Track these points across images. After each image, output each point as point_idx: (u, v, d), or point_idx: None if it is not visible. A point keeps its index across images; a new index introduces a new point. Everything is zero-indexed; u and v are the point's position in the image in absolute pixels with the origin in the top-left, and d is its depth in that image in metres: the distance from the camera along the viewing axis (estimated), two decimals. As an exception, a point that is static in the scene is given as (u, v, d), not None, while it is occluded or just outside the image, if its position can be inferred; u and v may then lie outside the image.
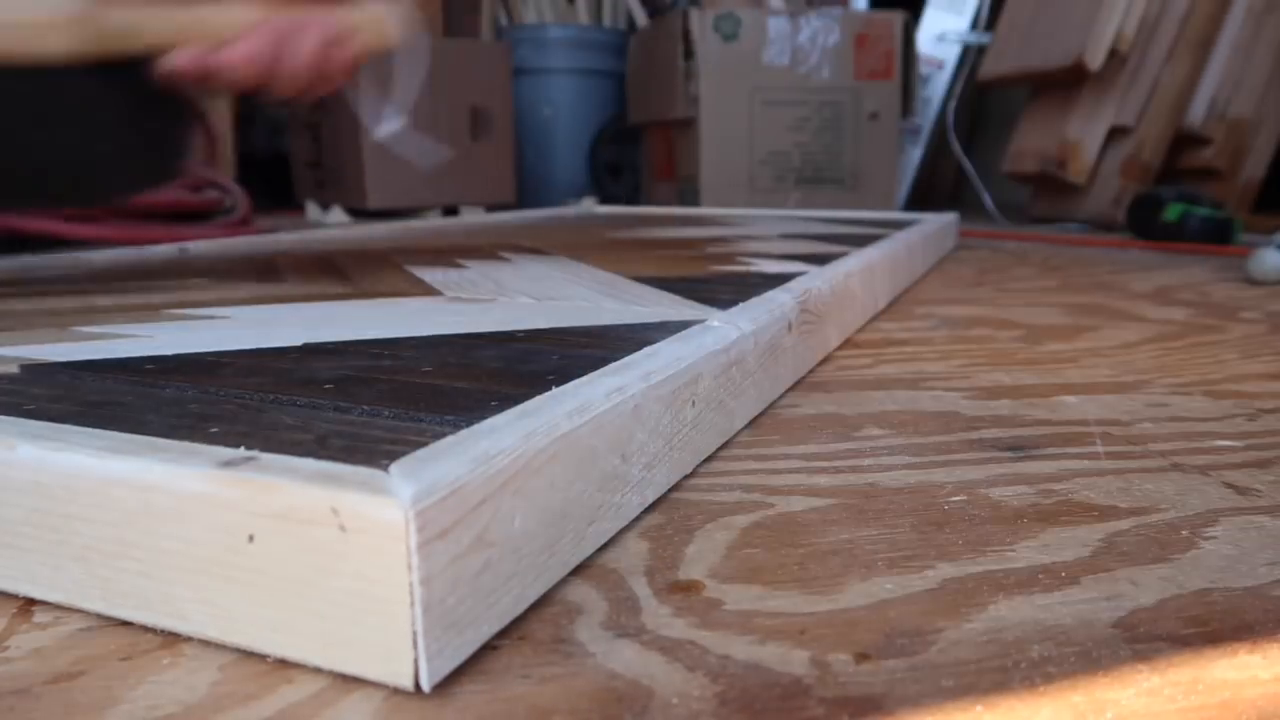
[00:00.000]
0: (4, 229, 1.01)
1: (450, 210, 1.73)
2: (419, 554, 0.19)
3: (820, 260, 0.64)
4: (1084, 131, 1.50)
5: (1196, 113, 1.50)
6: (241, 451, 0.22)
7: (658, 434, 0.30)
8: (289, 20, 0.45)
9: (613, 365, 0.30)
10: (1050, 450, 0.37)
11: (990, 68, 1.64)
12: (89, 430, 0.24)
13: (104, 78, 0.42)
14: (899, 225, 0.99)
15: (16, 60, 0.39)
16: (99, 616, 0.23)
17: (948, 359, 0.54)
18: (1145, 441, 0.38)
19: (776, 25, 1.50)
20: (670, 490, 0.32)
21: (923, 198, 2.04)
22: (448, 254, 0.74)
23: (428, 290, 0.54)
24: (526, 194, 1.91)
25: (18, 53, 0.40)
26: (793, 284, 0.49)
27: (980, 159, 1.90)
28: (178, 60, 0.44)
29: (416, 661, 0.19)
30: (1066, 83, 1.53)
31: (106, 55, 0.41)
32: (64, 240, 1.04)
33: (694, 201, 1.54)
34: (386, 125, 0.50)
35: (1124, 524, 0.30)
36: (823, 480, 0.34)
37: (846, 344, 0.58)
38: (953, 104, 1.86)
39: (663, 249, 0.78)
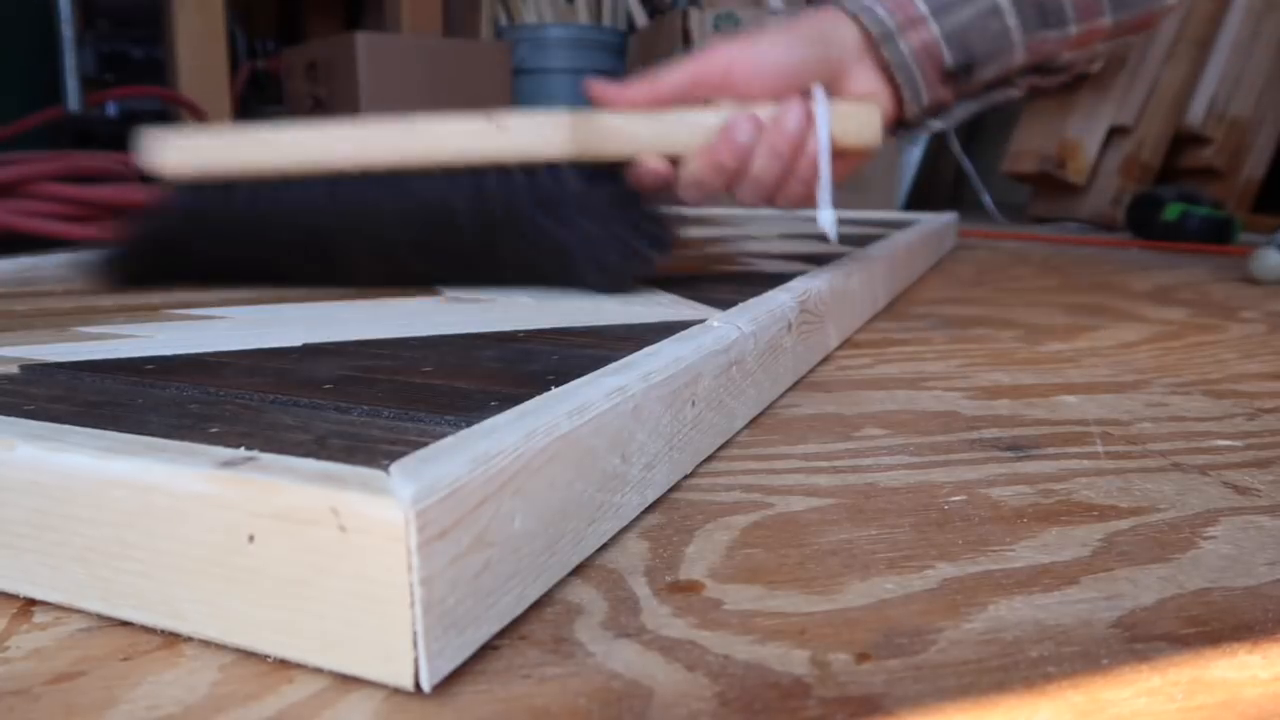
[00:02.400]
0: (4, 229, 1.01)
1: (450, 210, 1.73)
2: (419, 554, 0.19)
3: (820, 260, 0.64)
4: (1083, 131, 1.50)
5: (1196, 112, 1.50)
6: (241, 451, 0.22)
7: (658, 434, 0.30)
8: (752, 122, 0.48)
9: (613, 365, 0.30)
10: (1050, 450, 0.37)
11: (990, 67, 1.63)
12: (89, 430, 0.24)
13: (589, 180, 0.48)
14: (899, 225, 0.99)
15: (527, 160, 0.47)
16: (99, 616, 0.23)
17: (947, 359, 0.54)
18: (1145, 441, 0.38)
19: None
20: (670, 490, 0.32)
21: (923, 198, 2.04)
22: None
23: (428, 290, 0.54)
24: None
25: (528, 155, 0.47)
26: (793, 284, 0.49)
27: (980, 159, 1.90)
28: (643, 168, 0.49)
29: (416, 661, 0.19)
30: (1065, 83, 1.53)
31: (591, 159, 0.48)
32: (64, 240, 1.04)
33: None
34: (827, 218, 0.51)
35: (1123, 524, 0.30)
36: (822, 480, 0.34)
37: (846, 344, 0.58)
38: (952, 104, 1.86)
39: (662, 249, 0.78)
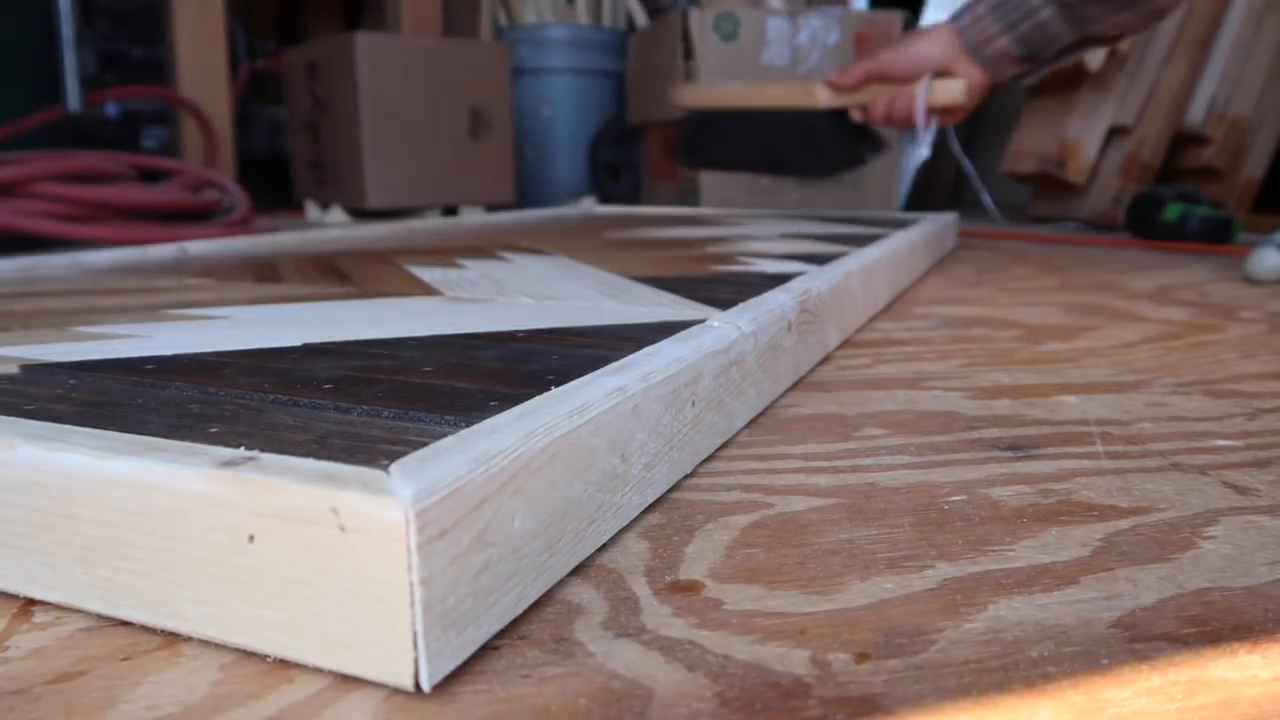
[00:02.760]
0: (4, 229, 1.01)
1: (450, 210, 1.73)
2: (419, 554, 0.19)
3: (820, 260, 0.64)
4: (1083, 131, 1.50)
5: (1196, 112, 1.50)
6: (242, 451, 0.22)
7: (658, 434, 0.30)
8: (897, 93, 0.96)
9: (613, 365, 0.30)
10: (1050, 450, 0.37)
11: (990, 67, 1.63)
12: (89, 430, 0.24)
13: (829, 120, 1.03)
14: (899, 225, 0.99)
15: (802, 109, 1.03)
16: (99, 616, 0.23)
17: (947, 359, 0.54)
18: (1145, 441, 0.38)
19: (776, 25, 1.50)
20: (670, 490, 0.32)
21: (923, 198, 2.04)
22: (447, 254, 0.74)
23: (428, 290, 0.54)
24: (526, 194, 1.91)
25: (803, 107, 1.03)
26: (792, 284, 0.49)
27: (980, 159, 1.90)
28: (854, 114, 1.02)
29: (416, 661, 0.19)
30: (1066, 82, 1.53)
31: (832, 109, 1.02)
32: (64, 240, 1.04)
33: (694, 201, 1.54)
34: (923, 149, 1.11)
35: (1123, 524, 0.30)
36: (822, 480, 0.34)
37: (846, 344, 0.58)
38: (952, 104, 1.86)
39: (663, 249, 0.78)
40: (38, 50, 1.86)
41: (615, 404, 0.27)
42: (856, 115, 1.01)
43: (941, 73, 0.93)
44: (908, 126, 0.97)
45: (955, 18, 0.91)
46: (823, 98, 1.00)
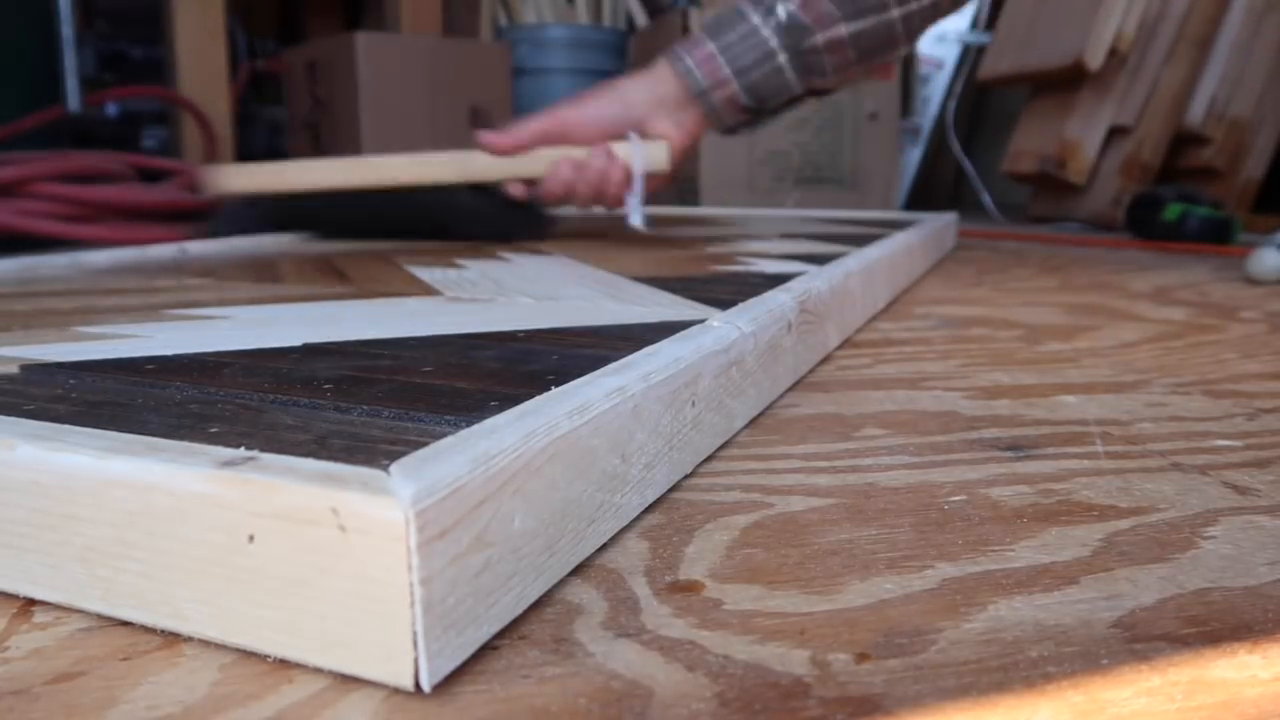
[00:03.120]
0: (4, 229, 1.01)
1: (450, 210, 1.72)
2: (419, 554, 0.19)
3: (820, 260, 0.64)
4: (1083, 131, 1.51)
5: (1196, 112, 1.50)
6: (241, 451, 0.22)
7: (658, 434, 0.30)
8: (579, 159, 0.76)
9: (613, 365, 0.30)
10: (1050, 450, 0.37)
11: (990, 67, 1.64)
12: (89, 430, 0.24)
13: (478, 194, 0.82)
14: (899, 225, 0.99)
15: (446, 182, 0.80)
16: (99, 616, 0.23)
17: (947, 359, 0.54)
18: (1145, 441, 0.38)
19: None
20: (670, 490, 0.32)
21: (922, 198, 2.04)
22: (447, 254, 0.74)
23: (428, 290, 0.54)
24: (526, 194, 1.91)
25: (427, 181, 0.80)
26: (792, 284, 0.49)
27: (980, 159, 1.90)
28: (511, 189, 0.80)
29: (416, 661, 0.19)
30: (1066, 82, 1.53)
31: (478, 182, 0.80)
32: (64, 240, 1.04)
33: (694, 201, 1.54)
34: (635, 219, 0.77)
35: (1123, 524, 0.30)
36: (822, 480, 0.34)
37: (846, 344, 0.58)
38: (952, 104, 1.86)
39: (663, 249, 0.79)
40: (38, 50, 1.86)
41: (615, 404, 0.27)
42: (516, 191, 0.80)
43: (640, 129, 0.76)
44: (608, 201, 0.77)
45: (673, 57, 0.76)
46: (464, 169, 0.78)
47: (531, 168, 0.77)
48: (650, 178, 0.76)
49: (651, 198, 0.78)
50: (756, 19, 0.72)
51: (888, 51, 0.75)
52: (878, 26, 0.72)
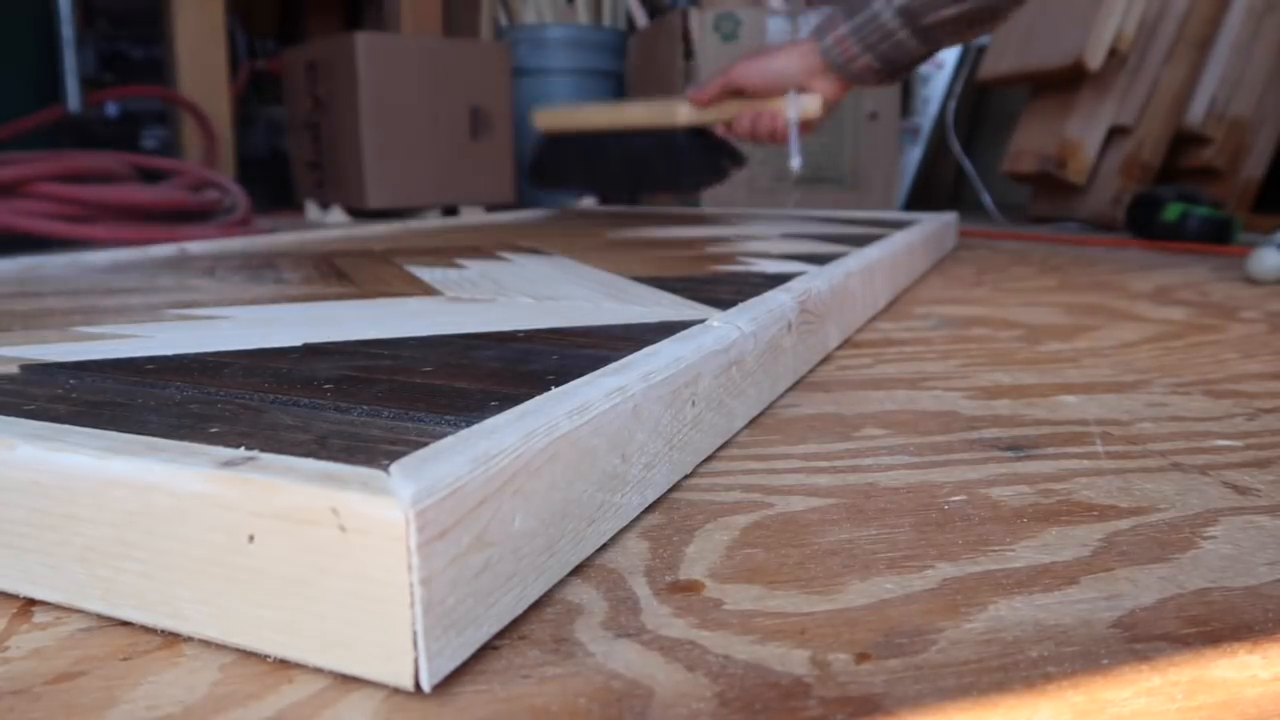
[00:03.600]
0: (4, 229, 1.01)
1: (450, 210, 1.73)
2: (419, 554, 0.19)
3: (820, 260, 0.64)
4: (1084, 131, 1.50)
5: (1196, 112, 1.50)
6: (242, 451, 0.22)
7: (658, 434, 0.30)
8: (757, 109, 0.97)
9: (613, 365, 0.30)
10: (1050, 450, 0.37)
11: (990, 67, 1.64)
12: (89, 430, 0.24)
13: (691, 135, 1.03)
14: (899, 225, 0.99)
15: (661, 128, 1.03)
16: (99, 616, 0.23)
17: (947, 359, 0.54)
18: (1145, 441, 0.38)
19: (776, 25, 1.50)
20: (670, 490, 0.32)
21: (923, 198, 2.04)
22: (448, 254, 0.74)
23: (428, 290, 0.54)
24: (526, 194, 1.91)
25: (664, 124, 1.02)
26: (792, 284, 0.49)
27: (980, 159, 1.90)
28: (718, 129, 1.03)
29: (417, 661, 0.19)
30: (1066, 82, 1.53)
31: (693, 126, 1.02)
32: (64, 240, 1.04)
33: (694, 201, 1.54)
34: (794, 159, 0.97)
35: (1123, 524, 0.30)
36: (823, 480, 0.34)
37: (846, 344, 0.58)
38: (952, 104, 1.86)
39: (663, 249, 0.78)
40: (38, 50, 1.86)
41: (615, 404, 0.27)
42: (720, 130, 1.03)
43: (799, 88, 0.95)
44: (776, 140, 0.98)
45: (817, 35, 0.93)
46: (683, 114, 1.00)
47: (724, 114, 0.99)
48: (807, 123, 0.96)
49: (809, 137, 1.00)
50: (879, 4, 0.88)
51: (996, 20, 0.88)
52: (981, 7, 0.86)
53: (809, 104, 0.95)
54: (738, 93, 0.97)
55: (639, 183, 1.10)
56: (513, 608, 0.23)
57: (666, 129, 1.02)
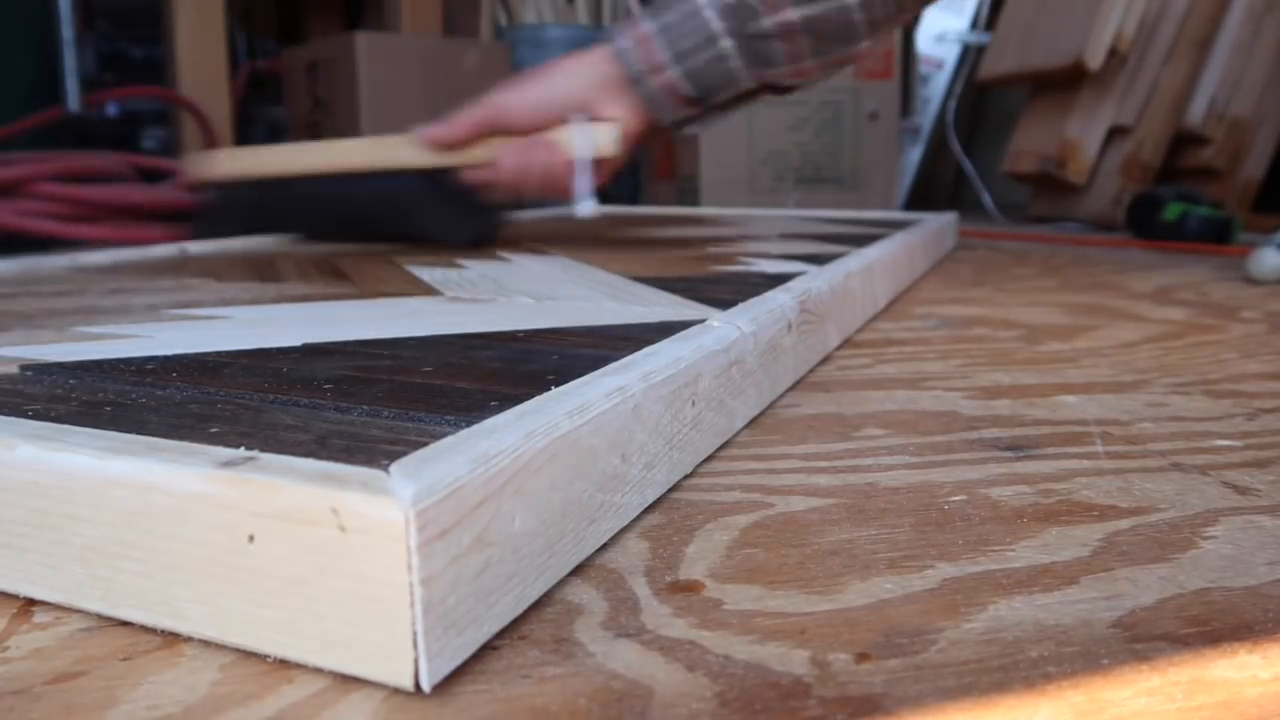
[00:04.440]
0: (4, 228, 1.01)
1: (450, 210, 1.72)
2: (419, 554, 0.19)
3: (820, 260, 0.64)
4: (1084, 131, 1.50)
5: (1196, 112, 1.50)
6: (241, 451, 0.22)
7: (658, 434, 0.30)
8: (527, 145, 0.70)
9: (613, 365, 0.30)
10: (1050, 450, 0.37)
11: (990, 67, 1.64)
12: (89, 430, 0.24)
13: (429, 182, 0.76)
14: (899, 225, 0.99)
15: (382, 168, 0.76)
16: (99, 616, 0.23)
17: (947, 359, 0.54)
18: (1145, 441, 0.38)
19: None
20: (670, 490, 0.32)
21: (923, 198, 2.04)
22: (448, 254, 0.74)
23: (428, 290, 0.54)
24: (526, 194, 1.91)
25: (383, 165, 0.75)
26: (792, 284, 0.49)
27: (980, 159, 1.90)
28: (465, 175, 0.73)
29: (417, 662, 0.19)
30: (1066, 82, 1.53)
31: (431, 169, 0.74)
32: (64, 240, 1.04)
33: (694, 201, 1.54)
34: (582, 206, 0.71)
35: (1123, 524, 0.30)
36: (823, 480, 0.34)
37: (846, 344, 0.58)
38: (953, 104, 1.86)
39: (663, 249, 0.78)
40: (38, 50, 1.86)
41: (615, 404, 0.27)
42: (474, 177, 0.73)
43: (587, 112, 0.69)
44: (554, 190, 0.71)
45: (613, 36, 0.69)
46: (407, 156, 0.74)
47: (473, 158, 0.72)
48: (601, 164, 0.69)
49: (603, 187, 0.72)
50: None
51: (847, 44, 0.68)
52: (831, 13, 0.64)
53: (602, 135, 0.68)
54: (503, 132, 0.70)
55: (367, 234, 0.85)
56: (513, 608, 0.23)
57: (397, 172, 0.76)
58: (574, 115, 0.68)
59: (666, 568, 0.26)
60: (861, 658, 0.22)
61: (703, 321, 0.39)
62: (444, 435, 0.23)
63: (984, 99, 2.15)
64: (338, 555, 0.19)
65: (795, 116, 1.53)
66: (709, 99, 0.70)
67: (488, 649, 0.22)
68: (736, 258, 0.70)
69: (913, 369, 0.51)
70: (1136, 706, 0.20)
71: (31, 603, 0.24)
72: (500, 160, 0.70)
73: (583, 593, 0.25)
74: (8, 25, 1.83)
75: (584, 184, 0.69)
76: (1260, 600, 0.24)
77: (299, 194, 0.81)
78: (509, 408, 0.25)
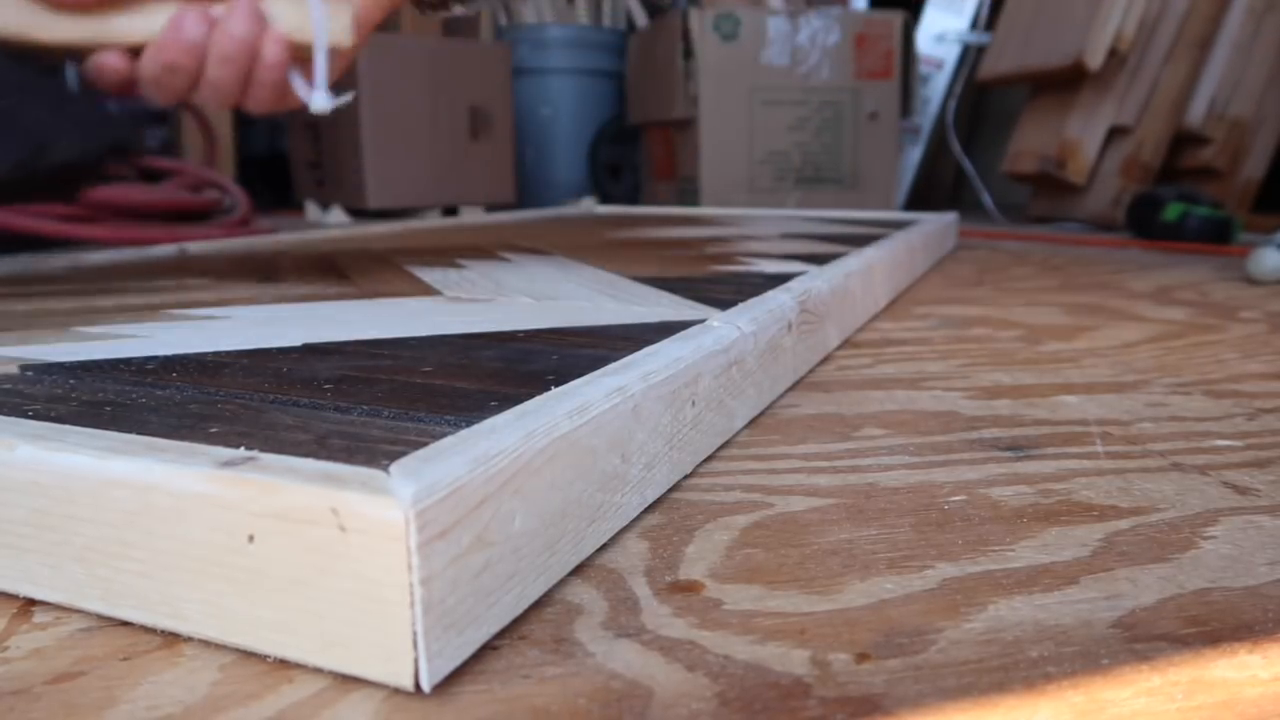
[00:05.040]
0: (4, 229, 1.00)
1: (450, 210, 1.73)
2: (419, 554, 0.19)
3: (820, 260, 0.64)
4: (1084, 131, 1.50)
5: (1196, 112, 1.50)
6: (241, 451, 0.22)
7: (658, 434, 0.30)
8: (216, 12, 0.44)
9: (613, 365, 0.30)
10: (1050, 450, 0.37)
11: (990, 67, 1.64)
12: (89, 430, 0.24)
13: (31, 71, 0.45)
14: (899, 225, 0.99)
15: None
16: (99, 616, 0.23)
17: (947, 359, 0.54)
18: (1145, 441, 0.38)
19: (776, 25, 1.50)
20: (670, 490, 0.32)
21: (923, 198, 2.04)
22: (448, 254, 0.74)
23: (428, 290, 0.54)
24: (526, 194, 1.91)
25: None
26: (792, 284, 0.49)
27: (980, 159, 1.90)
28: (101, 65, 0.44)
29: (416, 662, 0.19)
30: (1066, 82, 1.53)
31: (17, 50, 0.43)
32: (64, 240, 1.04)
33: (694, 201, 1.54)
34: (318, 99, 0.49)
35: (1123, 524, 0.30)
36: (822, 480, 0.34)
37: (846, 344, 0.58)
38: (952, 104, 1.86)
39: (663, 249, 0.78)
40: (38, 50, 1.85)
41: (615, 404, 0.27)
42: (109, 68, 0.45)
43: None
44: (266, 91, 0.47)
45: None
46: (22, 22, 0.44)
47: (121, 31, 0.45)
48: (333, 54, 0.49)
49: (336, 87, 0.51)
50: None
51: None
52: None
53: (333, 19, 0.48)
54: None
55: None
56: (513, 608, 0.23)
57: None
58: None
59: (666, 568, 0.26)
60: (861, 658, 0.22)
61: (703, 321, 0.39)
62: (444, 435, 0.23)
63: (984, 99, 2.15)
64: (338, 555, 0.19)
65: (795, 116, 1.53)
66: None
67: (488, 649, 0.22)
68: (736, 258, 0.70)
69: (913, 369, 0.51)
70: (1136, 706, 0.20)
71: (31, 603, 0.24)
72: (175, 32, 0.44)
73: (583, 593, 0.25)
74: (8, 25, 1.82)
75: (319, 73, 0.48)
76: (1260, 600, 0.24)
77: None
78: (509, 408, 0.25)
